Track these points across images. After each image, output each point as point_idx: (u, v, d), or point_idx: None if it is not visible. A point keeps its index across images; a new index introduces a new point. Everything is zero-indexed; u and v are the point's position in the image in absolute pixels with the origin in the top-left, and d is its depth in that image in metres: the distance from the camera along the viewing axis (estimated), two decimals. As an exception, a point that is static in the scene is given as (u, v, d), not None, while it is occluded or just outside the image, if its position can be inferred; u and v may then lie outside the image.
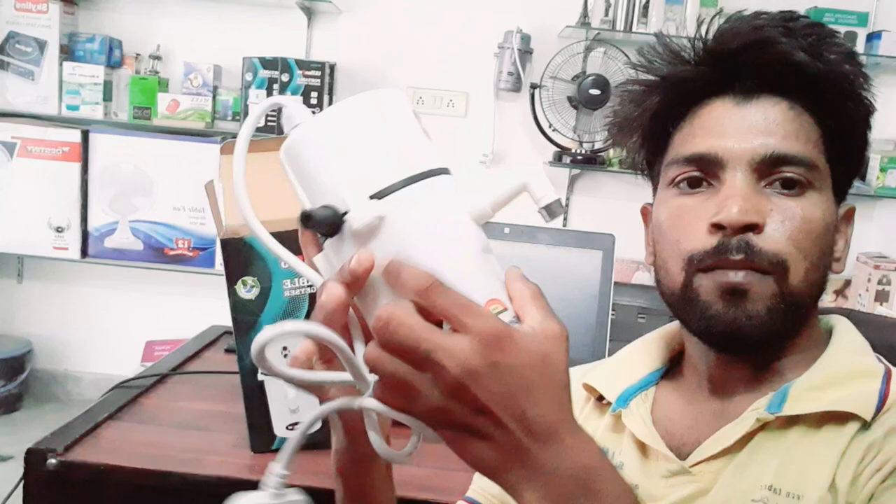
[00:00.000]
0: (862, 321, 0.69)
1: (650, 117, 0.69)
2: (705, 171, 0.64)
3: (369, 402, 0.47)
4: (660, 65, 0.67)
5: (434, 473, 0.98)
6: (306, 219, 0.47)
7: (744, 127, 0.63)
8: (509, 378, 0.43)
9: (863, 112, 0.66)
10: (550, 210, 0.49)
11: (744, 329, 0.61)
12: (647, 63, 0.68)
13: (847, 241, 0.68)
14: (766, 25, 0.63)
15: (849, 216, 0.69)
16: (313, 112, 0.51)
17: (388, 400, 0.44)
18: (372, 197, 0.47)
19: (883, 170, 3.12)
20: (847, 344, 0.66)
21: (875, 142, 3.20)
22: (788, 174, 0.62)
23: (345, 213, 0.47)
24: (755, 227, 0.60)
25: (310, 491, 0.53)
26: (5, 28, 3.00)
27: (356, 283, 0.46)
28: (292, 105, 0.50)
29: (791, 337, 0.65)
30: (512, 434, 0.43)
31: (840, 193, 0.67)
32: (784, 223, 0.61)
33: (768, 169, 0.62)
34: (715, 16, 0.66)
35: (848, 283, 3.20)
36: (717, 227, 0.61)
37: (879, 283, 3.07)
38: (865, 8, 3.07)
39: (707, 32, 0.66)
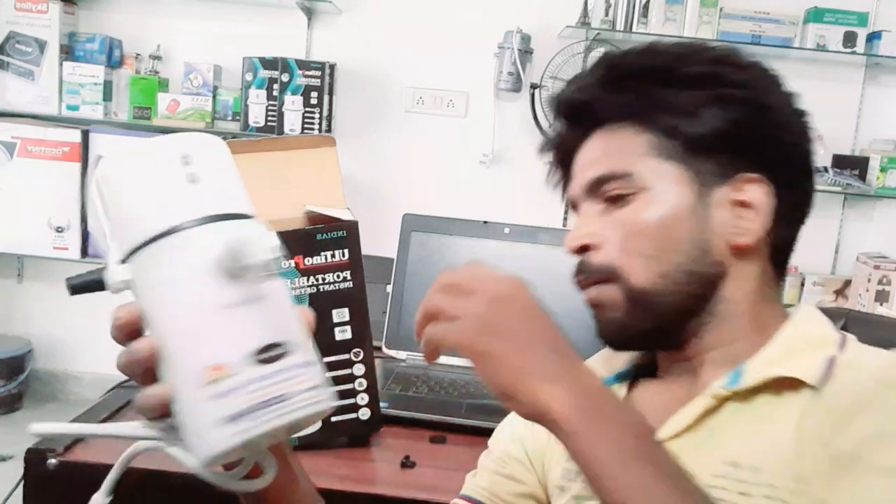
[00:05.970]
0: (862, 321, 0.69)
1: (556, 164, 0.78)
2: (576, 209, 0.74)
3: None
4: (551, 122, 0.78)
5: (434, 473, 0.98)
6: (70, 288, 0.51)
7: (584, 163, 0.71)
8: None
9: (747, 99, 0.67)
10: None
11: (613, 333, 0.69)
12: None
13: (758, 213, 0.67)
14: (587, 83, 0.72)
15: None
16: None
17: (444, 307, 0.54)
18: (123, 259, 0.49)
19: (883, 170, 3.12)
20: (801, 319, 0.68)
21: (875, 142, 3.19)
22: (609, 191, 0.69)
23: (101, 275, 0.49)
24: (591, 248, 0.69)
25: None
26: (5, 28, 3.00)
27: (123, 336, 0.52)
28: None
29: (690, 318, 0.67)
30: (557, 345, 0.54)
31: (775, 171, 0.67)
32: (615, 234, 0.68)
33: (596, 193, 0.70)
34: (590, 65, 0.74)
35: (848, 283, 3.20)
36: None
37: (879, 283, 3.07)
38: (865, 8, 3.07)
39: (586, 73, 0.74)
